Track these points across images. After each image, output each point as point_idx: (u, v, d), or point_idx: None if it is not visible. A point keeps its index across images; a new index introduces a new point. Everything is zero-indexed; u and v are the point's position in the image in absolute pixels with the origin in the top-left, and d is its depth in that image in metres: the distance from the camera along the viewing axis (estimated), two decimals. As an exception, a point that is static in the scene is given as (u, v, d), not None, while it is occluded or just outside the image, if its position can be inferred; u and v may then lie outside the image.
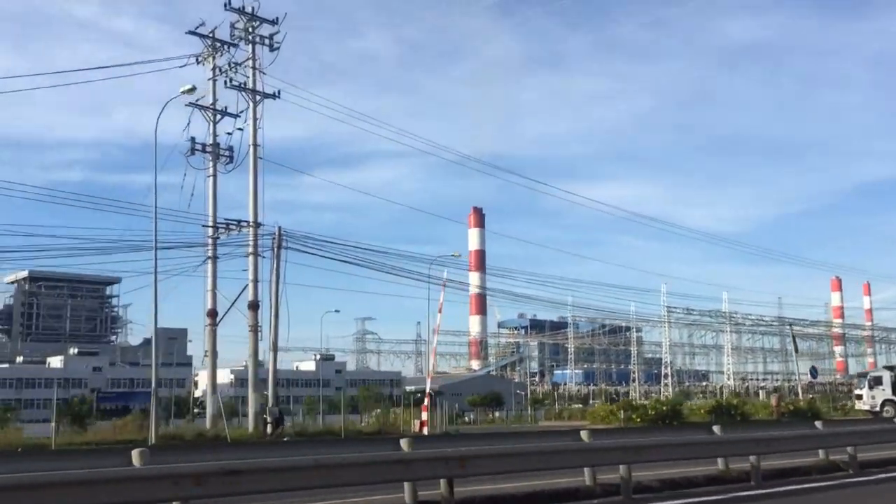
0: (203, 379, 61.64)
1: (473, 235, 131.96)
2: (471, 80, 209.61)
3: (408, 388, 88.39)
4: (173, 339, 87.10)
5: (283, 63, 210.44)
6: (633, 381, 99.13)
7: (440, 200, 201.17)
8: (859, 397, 46.66)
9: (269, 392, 31.84)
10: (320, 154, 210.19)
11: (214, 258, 33.74)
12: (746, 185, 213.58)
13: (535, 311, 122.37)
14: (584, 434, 12.37)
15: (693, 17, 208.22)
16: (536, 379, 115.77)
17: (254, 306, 32.05)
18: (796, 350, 53.70)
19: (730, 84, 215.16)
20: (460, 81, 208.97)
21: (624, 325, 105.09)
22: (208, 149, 34.28)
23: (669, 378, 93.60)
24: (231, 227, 33.19)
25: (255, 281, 32.23)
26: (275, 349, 32.09)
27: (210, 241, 33.50)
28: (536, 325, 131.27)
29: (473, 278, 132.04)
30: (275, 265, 31.87)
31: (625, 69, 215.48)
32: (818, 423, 15.27)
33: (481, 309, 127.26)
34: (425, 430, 26.80)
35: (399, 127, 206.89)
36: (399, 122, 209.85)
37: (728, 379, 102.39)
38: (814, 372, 59.83)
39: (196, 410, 51.07)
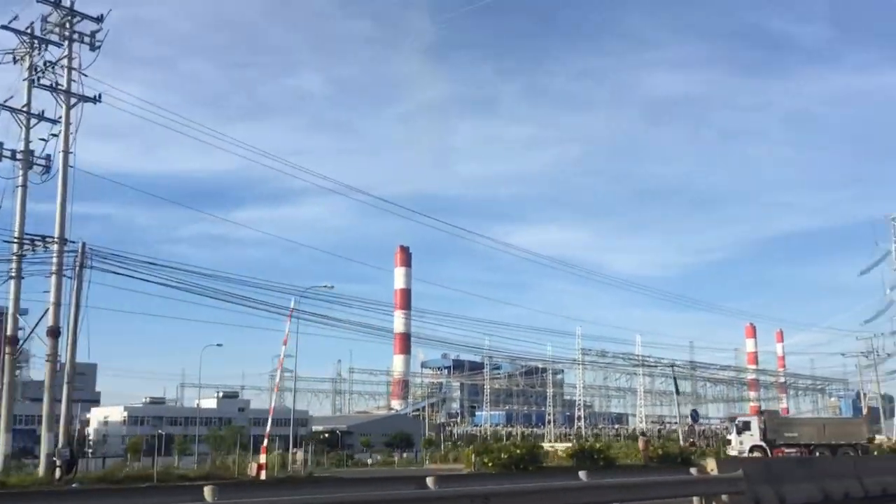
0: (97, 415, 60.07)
1: (399, 274, 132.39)
2: (404, 121, 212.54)
3: (317, 428, 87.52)
4: (81, 374, 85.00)
5: (216, 98, 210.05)
6: (549, 422, 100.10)
7: (371, 240, 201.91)
8: (729, 442, 47.72)
9: (60, 431, 28.50)
10: (252, 189, 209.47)
11: (19, 277, 30.78)
12: (670, 234, 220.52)
13: (458, 351, 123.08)
14: (429, 480, 11.86)
15: (621, 69, 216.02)
16: (457, 419, 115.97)
17: (53, 332, 29.49)
18: (677, 392, 55.22)
19: (655, 135, 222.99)
20: (393, 122, 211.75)
21: (541, 367, 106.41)
22: (19, 156, 31.42)
23: (583, 420, 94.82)
24: (36, 242, 30.33)
25: (58, 304, 29.56)
26: (71, 381, 29.25)
27: (14, 257, 30.32)
28: (459, 366, 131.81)
29: (398, 317, 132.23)
30: (76, 286, 29.01)
31: (555, 117, 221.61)
32: (582, 474, 14.85)
33: (405, 348, 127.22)
34: (262, 474, 26.10)
35: (331, 165, 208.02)
36: (332, 161, 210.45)
37: (640, 422, 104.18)
38: (695, 415, 61.33)
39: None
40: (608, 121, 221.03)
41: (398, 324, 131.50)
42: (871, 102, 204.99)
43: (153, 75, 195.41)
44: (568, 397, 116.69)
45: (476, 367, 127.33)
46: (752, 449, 45.15)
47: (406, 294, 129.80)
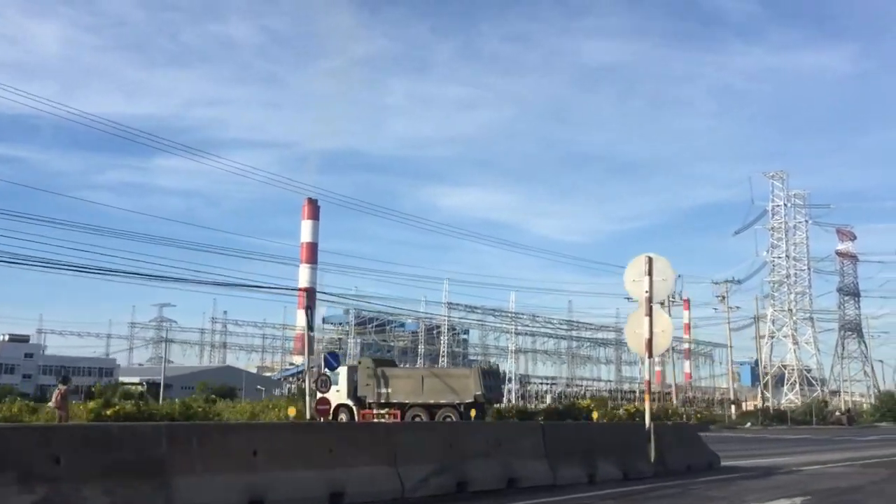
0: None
1: (306, 228, 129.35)
2: (335, 76, 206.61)
3: (127, 379, 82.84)
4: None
5: (139, 42, 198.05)
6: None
7: (297, 194, 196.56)
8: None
9: None
10: (175, 137, 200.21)
11: None
12: (595, 201, 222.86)
13: (360, 307, 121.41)
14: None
15: (554, 34, 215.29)
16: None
17: None
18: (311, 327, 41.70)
19: (585, 102, 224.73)
20: (324, 77, 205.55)
21: (444, 326, 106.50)
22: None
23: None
24: None
25: None
26: None
27: None
28: (362, 323, 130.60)
29: (303, 271, 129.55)
30: None
31: (488, 79, 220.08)
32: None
33: (310, 303, 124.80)
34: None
35: (258, 117, 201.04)
36: (258, 113, 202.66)
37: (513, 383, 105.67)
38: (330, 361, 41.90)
39: None
40: (540, 85, 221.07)
41: (302, 278, 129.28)
42: (791, 80, 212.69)
43: (76, 13, 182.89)
44: (473, 357, 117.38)
45: (382, 325, 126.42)
46: (337, 409, 36.49)
47: (312, 248, 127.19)
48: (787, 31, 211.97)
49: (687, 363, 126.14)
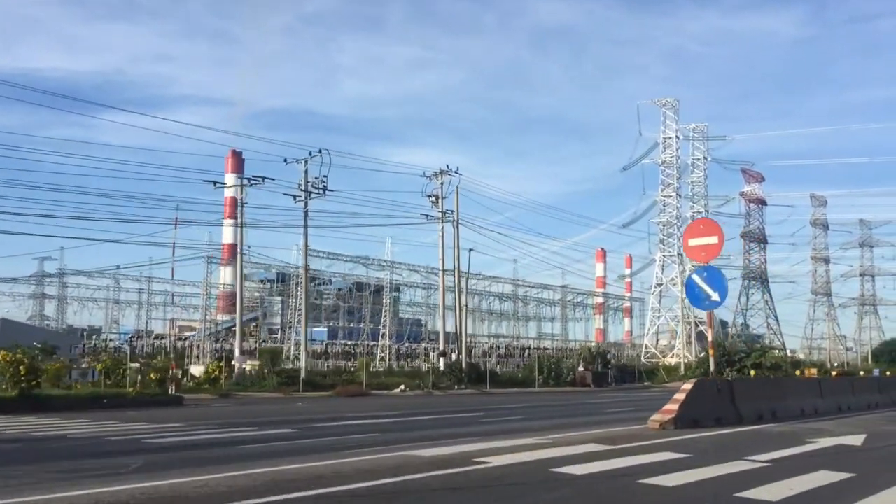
0: None
1: (230, 181, 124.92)
2: (287, 33, 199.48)
3: None
4: None
5: None
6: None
7: (247, 153, 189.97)
8: None
9: None
10: (120, 94, 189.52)
11: None
12: (546, 163, 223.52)
13: (284, 265, 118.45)
14: None
15: None
16: (278, 335, 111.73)
17: None
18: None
19: (538, 64, 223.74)
20: (276, 34, 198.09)
21: (373, 283, 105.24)
22: None
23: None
24: None
25: None
26: None
27: None
28: (285, 280, 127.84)
29: (226, 227, 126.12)
30: None
31: (441, 39, 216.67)
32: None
33: (232, 260, 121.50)
34: None
35: (207, 74, 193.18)
36: (208, 70, 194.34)
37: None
38: None
39: None
40: (493, 47, 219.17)
41: (226, 234, 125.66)
42: (742, 43, 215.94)
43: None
44: (403, 315, 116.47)
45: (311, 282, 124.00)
46: None
47: (235, 203, 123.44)
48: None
49: (627, 321, 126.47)
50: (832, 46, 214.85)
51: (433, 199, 55.50)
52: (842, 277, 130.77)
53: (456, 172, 56.62)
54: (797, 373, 60.23)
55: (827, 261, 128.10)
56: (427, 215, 56.76)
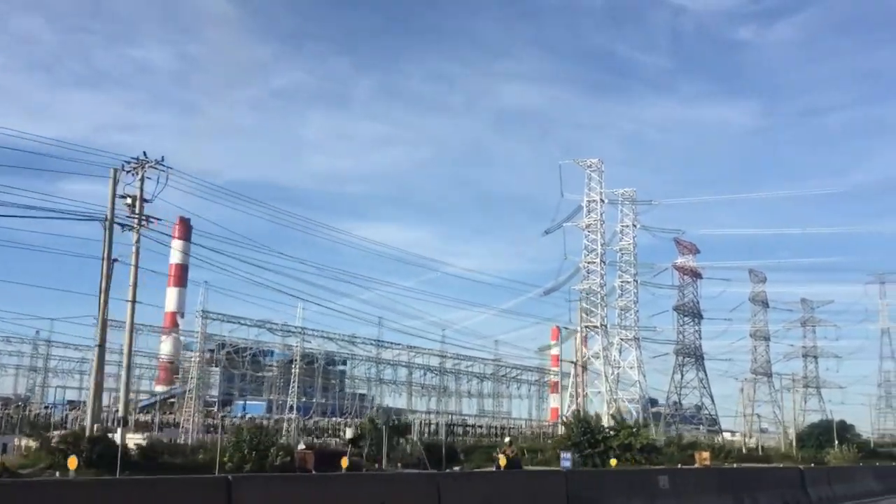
0: None
1: (176, 248, 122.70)
2: (254, 107, 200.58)
3: None
4: None
5: (49, 62, 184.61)
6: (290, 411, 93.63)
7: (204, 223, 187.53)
8: None
9: None
10: (82, 160, 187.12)
11: None
12: (509, 241, 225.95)
13: (229, 332, 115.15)
14: None
15: (475, 76, 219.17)
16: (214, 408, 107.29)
17: None
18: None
19: (502, 144, 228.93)
20: (243, 107, 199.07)
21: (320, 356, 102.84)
22: None
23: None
24: None
25: None
26: None
27: None
28: (227, 351, 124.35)
29: (171, 293, 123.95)
30: None
31: (407, 117, 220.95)
32: None
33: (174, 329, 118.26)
34: None
35: (172, 144, 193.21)
36: (172, 140, 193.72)
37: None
38: None
39: None
40: (458, 126, 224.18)
41: (169, 301, 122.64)
42: (697, 131, 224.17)
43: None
44: (350, 390, 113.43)
45: (253, 356, 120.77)
46: None
47: (181, 270, 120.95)
48: (695, 84, 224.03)
49: (554, 397, 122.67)
50: (783, 136, 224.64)
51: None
52: (783, 358, 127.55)
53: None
54: (695, 455, 54.89)
55: (767, 338, 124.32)
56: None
